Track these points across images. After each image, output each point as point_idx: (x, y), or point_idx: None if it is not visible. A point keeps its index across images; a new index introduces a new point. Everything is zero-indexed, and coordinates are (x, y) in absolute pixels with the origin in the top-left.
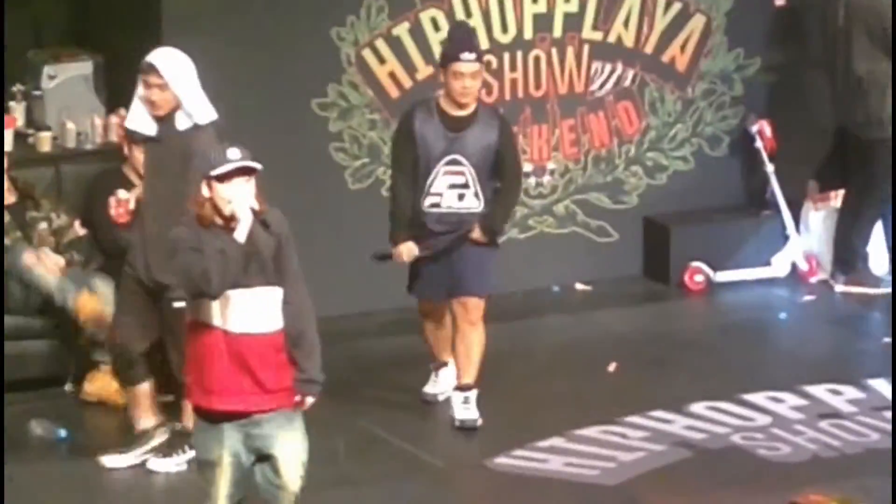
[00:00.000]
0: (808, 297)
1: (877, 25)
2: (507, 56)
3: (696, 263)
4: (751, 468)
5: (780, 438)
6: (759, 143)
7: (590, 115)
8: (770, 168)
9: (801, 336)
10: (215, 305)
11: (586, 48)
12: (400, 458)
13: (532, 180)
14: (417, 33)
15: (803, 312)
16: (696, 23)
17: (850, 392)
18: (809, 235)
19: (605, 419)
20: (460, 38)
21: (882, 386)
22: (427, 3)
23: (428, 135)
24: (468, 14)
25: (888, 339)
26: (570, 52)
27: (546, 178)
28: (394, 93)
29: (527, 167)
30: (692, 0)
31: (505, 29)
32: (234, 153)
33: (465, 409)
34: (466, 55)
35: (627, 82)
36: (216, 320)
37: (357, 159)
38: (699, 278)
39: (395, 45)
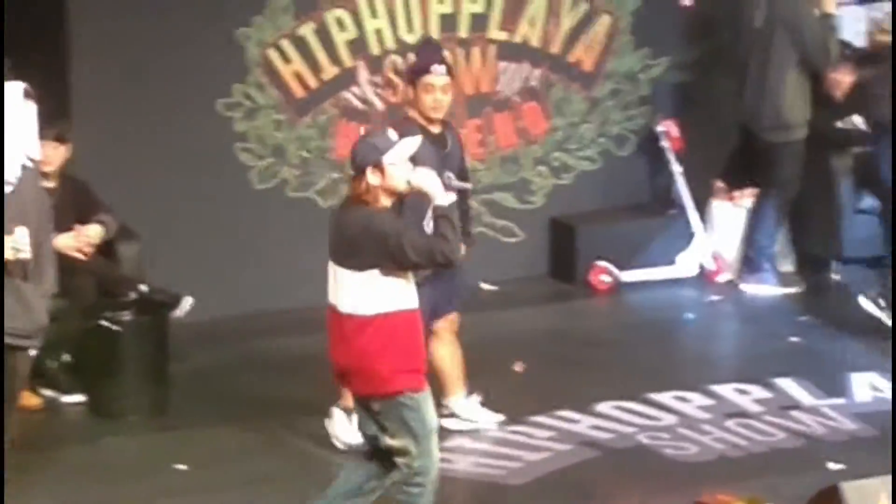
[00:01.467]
0: (714, 297)
1: (800, 32)
2: (412, 56)
3: (601, 263)
4: (657, 468)
5: (687, 438)
6: (665, 143)
7: (496, 115)
8: (676, 168)
9: (708, 335)
10: (408, 287)
11: (492, 48)
12: (300, 457)
13: None
14: (323, 33)
15: (710, 312)
16: (603, 22)
17: (757, 391)
18: (716, 235)
19: (511, 419)
20: (429, 52)
21: (788, 385)
22: (332, 4)
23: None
24: (374, 14)
25: (795, 339)
26: (476, 52)
27: None
28: (299, 93)
29: None
30: (598, 0)
31: (411, 29)
32: (393, 134)
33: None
34: (437, 67)
35: (534, 82)
36: (410, 303)
37: (262, 159)
38: (605, 278)
39: (301, 45)
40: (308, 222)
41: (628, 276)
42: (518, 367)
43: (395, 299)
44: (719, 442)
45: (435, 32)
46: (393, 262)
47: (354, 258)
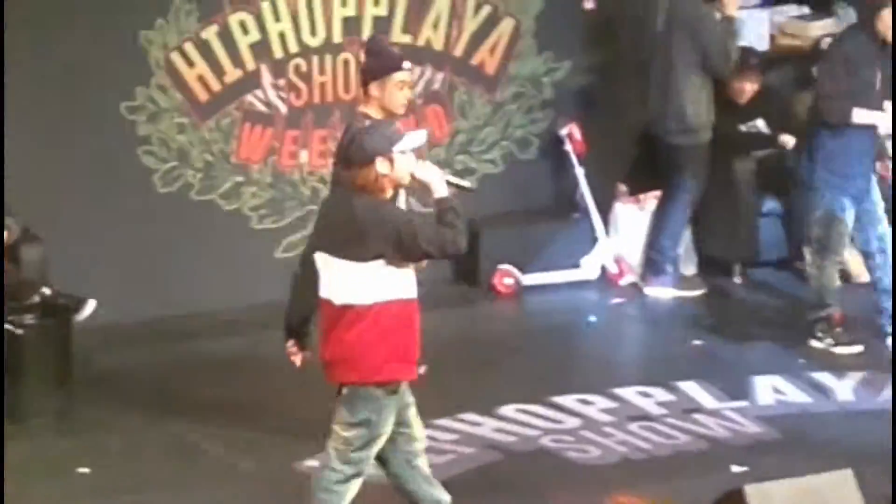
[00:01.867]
0: (617, 300)
1: (700, 35)
2: (315, 60)
3: (505, 266)
4: (560, 471)
5: (590, 441)
6: (568, 146)
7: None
8: (579, 171)
9: (611, 338)
10: (408, 276)
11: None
12: (211, 463)
13: None
14: (226, 37)
15: (613, 315)
16: (506, 26)
17: (660, 394)
18: (619, 238)
19: None
20: (391, 49)
21: (691, 388)
22: (236, 7)
23: None
24: (277, 18)
25: (697, 342)
26: None
27: None
28: (203, 96)
29: None
30: (501, 3)
31: (314, 32)
32: (399, 126)
33: None
34: (406, 64)
35: (437, 85)
36: (410, 292)
37: (166, 162)
38: (508, 281)
39: (204, 48)
40: (212, 225)
41: (531, 279)
42: (421, 370)
43: (394, 288)
44: (622, 445)
45: (338, 36)
46: (401, 251)
47: (357, 248)
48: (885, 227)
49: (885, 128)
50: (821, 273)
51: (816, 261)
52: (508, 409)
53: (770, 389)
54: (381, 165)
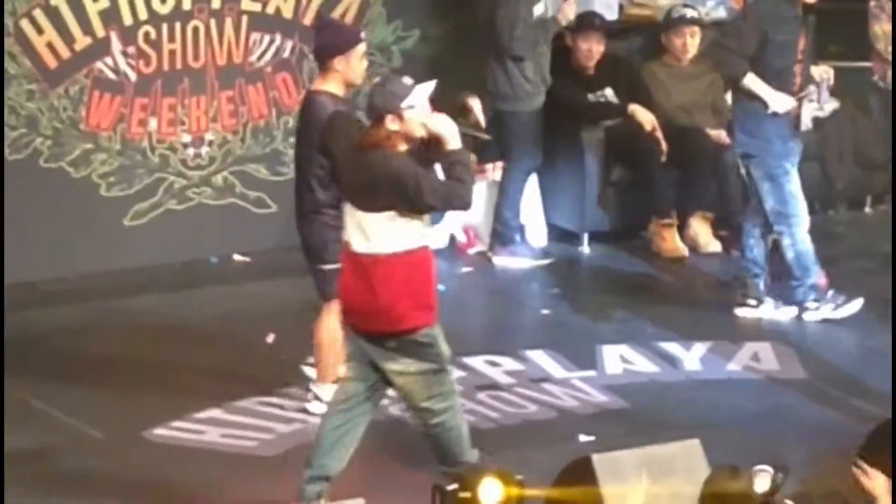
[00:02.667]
0: (466, 269)
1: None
2: (165, 27)
3: None
4: (406, 439)
5: None
6: None
7: (248, 86)
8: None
9: (460, 308)
10: (423, 227)
11: (245, 19)
12: (60, 430)
13: (190, 151)
14: (75, 4)
15: (461, 284)
16: None
17: (509, 363)
18: None
19: (263, 390)
20: (345, 24)
21: (539, 357)
22: None
23: None
24: None
25: (546, 311)
26: (228, 23)
27: (204, 150)
28: (52, 63)
29: (185, 138)
30: None
31: (164, 0)
32: (408, 80)
33: None
34: (363, 34)
35: (286, 53)
36: (425, 241)
37: (14, 129)
38: None
39: (53, 15)
40: (61, 192)
41: None
42: (270, 338)
43: (410, 239)
44: (471, 414)
45: (187, 4)
46: (409, 204)
47: (371, 200)
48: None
49: (774, 105)
50: (794, 241)
51: (785, 231)
52: None
53: (618, 359)
54: (390, 122)
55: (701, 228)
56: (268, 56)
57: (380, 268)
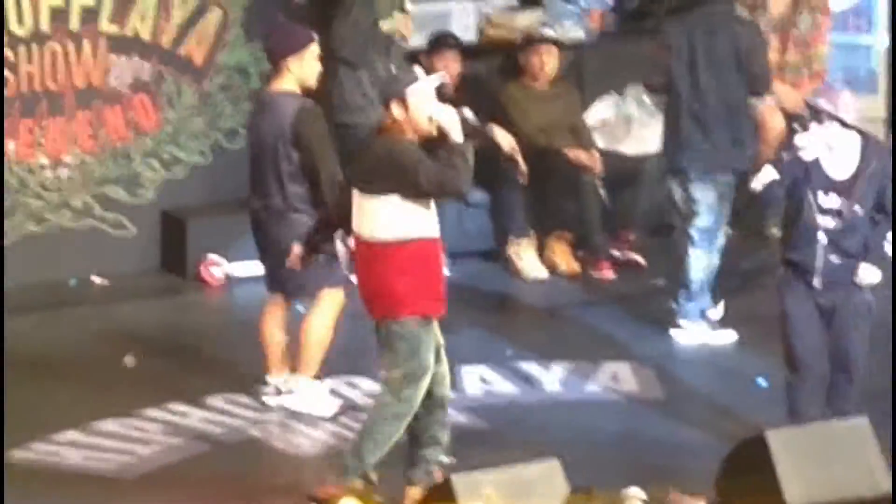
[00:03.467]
0: None
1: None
2: (23, 49)
3: (212, 256)
4: (269, 461)
5: (298, 431)
6: None
7: (106, 108)
8: None
9: None
10: (427, 216)
11: (103, 41)
12: None
13: (48, 173)
14: None
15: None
16: (213, 16)
17: (368, 385)
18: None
19: (123, 412)
20: (297, 26)
21: None
22: None
23: None
24: None
25: None
26: (87, 45)
27: (63, 172)
28: None
29: (43, 160)
30: None
31: (21, 22)
32: (418, 71)
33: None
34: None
35: (145, 76)
36: (428, 231)
37: None
38: (216, 271)
39: None
40: None
41: (239, 269)
42: (129, 360)
43: (412, 227)
44: (331, 436)
45: (45, 26)
46: (407, 189)
47: (373, 183)
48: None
49: None
50: (710, 262)
51: (707, 249)
52: (216, 399)
53: (477, 380)
54: (395, 109)
55: (560, 249)
56: (126, 78)
57: (380, 253)
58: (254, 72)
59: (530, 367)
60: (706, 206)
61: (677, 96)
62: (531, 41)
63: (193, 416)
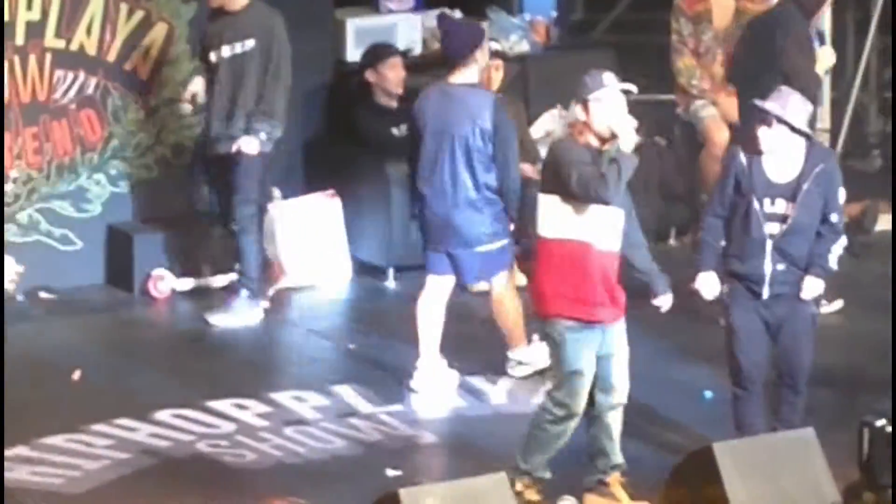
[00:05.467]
0: (266, 304)
1: None
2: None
3: (158, 271)
4: (216, 476)
5: (246, 446)
6: None
7: (53, 123)
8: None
9: (266, 343)
10: (584, 219)
11: (49, 56)
12: None
13: None
14: None
15: (266, 318)
16: (159, 31)
17: (315, 398)
18: (274, 243)
19: (69, 427)
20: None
21: (346, 392)
22: None
23: None
24: None
25: (352, 345)
26: (32, 59)
27: (9, 187)
28: None
29: None
30: (154, 8)
31: None
32: (608, 76)
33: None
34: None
35: (90, 90)
36: (583, 234)
37: None
38: (162, 286)
39: None
40: None
41: (186, 284)
42: (76, 375)
43: (569, 228)
44: (278, 449)
45: None
46: (562, 189)
47: (543, 181)
48: None
49: None
50: None
51: None
52: (164, 414)
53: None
54: (579, 111)
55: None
56: (72, 93)
57: (541, 249)
58: None
59: (477, 381)
60: None
61: None
62: None
63: (141, 431)
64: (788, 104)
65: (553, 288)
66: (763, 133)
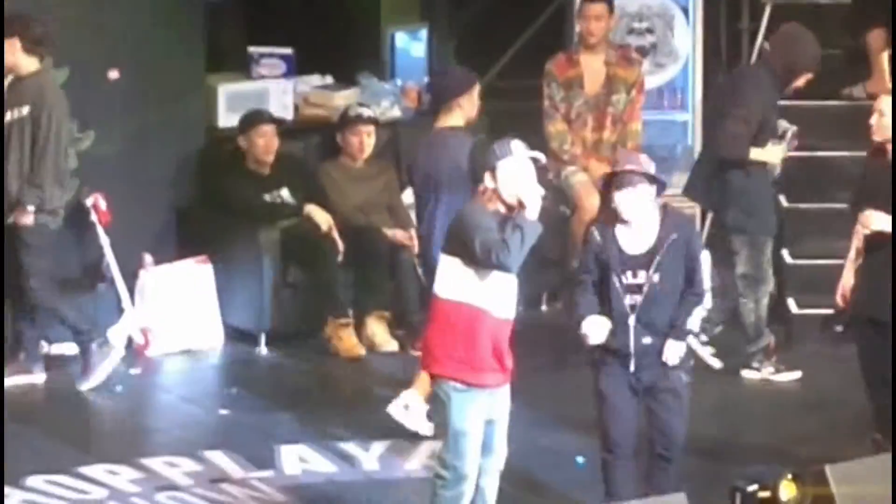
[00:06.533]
0: (135, 370)
1: None
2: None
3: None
4: None
5: None
6: (93, 216)
7: None
8: (105, 240)
9: (138, 408)
10: (481, 284)
11: None
12: None
13: None
14: None
15: (137, 385)
16: None
17: (187, 464)
18: (145, 307)
19: None
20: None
21: (218, 457)
22: None
23: None
24: None
25: (224, 411)
26: None
27: None
28: None
29: None
30: None
31: None
32: (515, 143)
33: None
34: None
35: None
36: (479, 300)
37: None
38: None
39: None
40: None
41: (58, 349)
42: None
43: (464, 292)
44: None
45: None
46: (464, 252)
47: (447, 241)
48: None
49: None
50: (757, 306)
51: (750, 295)
52: (36, 480)
53: (296, 458)
54: (488, 178)
55: (378, 328)
56: None
57: (436, 308)
58: (71, 152)
59: (348, 447)
60: (742, 255)
61: None
62: (348, 120)
63: (14, 498)
64: (639, 159)
65: (443, 348)
66: (625, 196)
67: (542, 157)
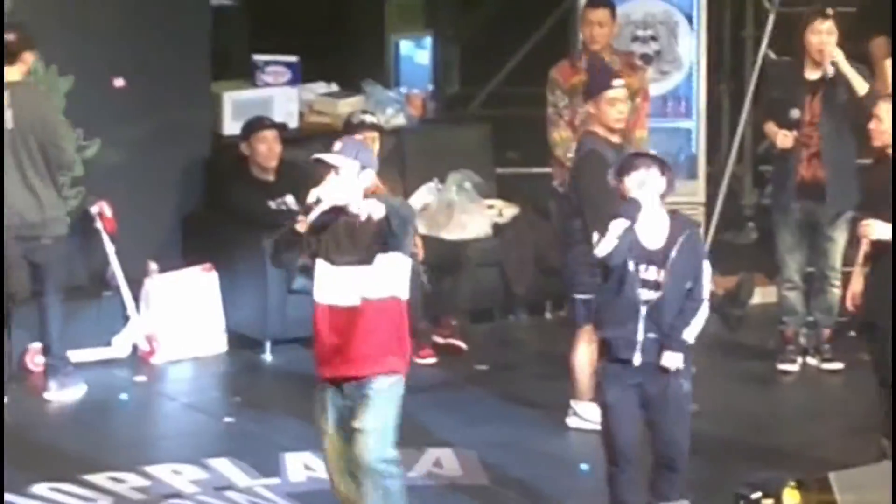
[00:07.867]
0: (141, 378)
1: None
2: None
3: (35, 345)
4: None
5: None
6: (99, 224)
7: None
8: (110, 248)
9: (143, 416)
10: (325, 282)
11: None
12: None
13: None
14: None
15: (144, 392)
16: None
17: (192, 472)
18: (150, 315)
19: None
20: (604, 70)
21: (223, 465)
22: None
23: None
24: None
25: (229, 419)
26: None
27: None
28: None
29: None
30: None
31: None
32: (341, 144)
33: None
34: (617, 81)
35: None
36: (320, 297)
37: None
38: (39, 360)
39: None
40: None
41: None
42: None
43: (317, 291)
44: None
45: None
46: None
47: None
48: None
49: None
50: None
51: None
52: (41, 488)
53: (301, 466)
54: None
55: None
56: None
57: None
58: (77, 159)
59: None
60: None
61: None
62: (352, 127)
63: None
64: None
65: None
66: (635, 178)
67: (328, 157)
